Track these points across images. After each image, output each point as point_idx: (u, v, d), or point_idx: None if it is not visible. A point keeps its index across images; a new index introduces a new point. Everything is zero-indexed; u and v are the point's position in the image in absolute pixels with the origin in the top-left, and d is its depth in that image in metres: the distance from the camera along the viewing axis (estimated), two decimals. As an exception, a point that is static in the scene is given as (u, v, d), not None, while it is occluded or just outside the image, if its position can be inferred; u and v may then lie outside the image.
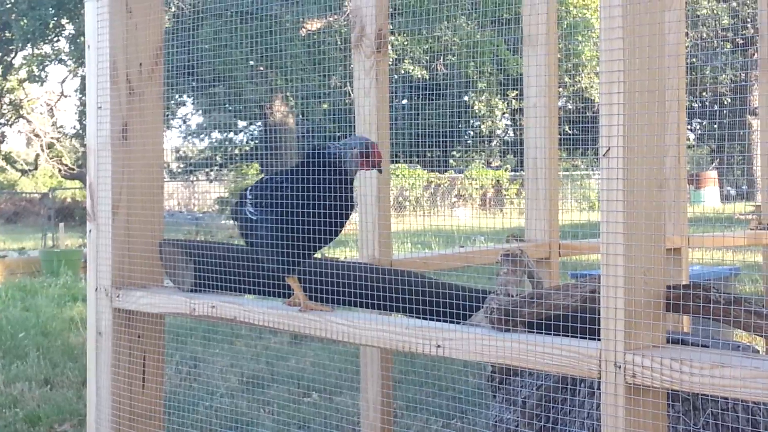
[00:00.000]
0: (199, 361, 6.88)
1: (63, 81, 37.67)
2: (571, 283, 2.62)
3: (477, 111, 21.74)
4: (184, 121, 28.61)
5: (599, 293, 2.36)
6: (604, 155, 2.28)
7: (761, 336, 2.22)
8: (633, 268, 2.24)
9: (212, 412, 5.50)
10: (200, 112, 25.34)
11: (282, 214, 2.97)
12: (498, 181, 20.84)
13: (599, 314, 2.35)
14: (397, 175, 18.96)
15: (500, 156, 24.16)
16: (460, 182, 20.61)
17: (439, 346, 2.59)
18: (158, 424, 3.48)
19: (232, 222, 3.32)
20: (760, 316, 2.17)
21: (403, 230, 15.19)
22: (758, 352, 4.02)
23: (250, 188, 3.18)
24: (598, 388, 3.72)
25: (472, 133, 23.74)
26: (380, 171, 3.19)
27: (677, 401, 3.37)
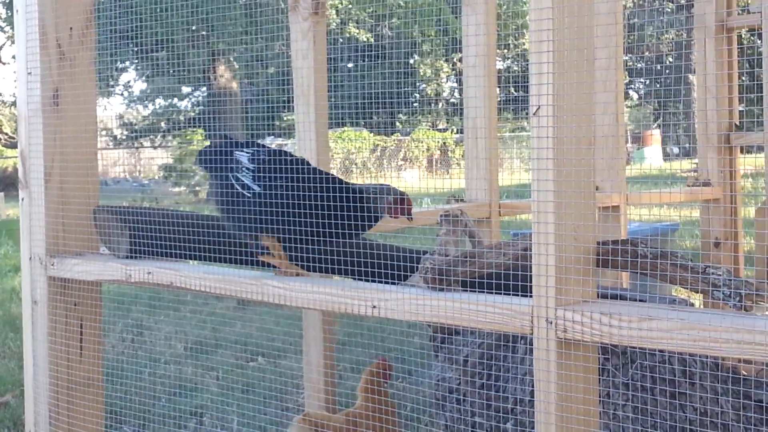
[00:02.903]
0: (143, 328, 6.84)
1: (0, 48, 36.91)
2: (504, 242, 2.64)
3: (422, 74, 21.72)
4: (126, 88, 28.24)
5: (531, 251, 2.38)
6: (534, 114, 2.29)
7: (687, 289, 2.25)
8: (563, 225, 2.26)
9: (156, 379, 5.48)
10: (143, 78, 25.03)
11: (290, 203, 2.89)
12: (444, 143, 20.88)
13: (531, 272, 2.38)
14: (343, 139, 18.92)
15: (446, 118, 24.19)
16: (406, 145, 20.62)
17: (374, 307, 2.60)
18: (97, 392, 3.46)
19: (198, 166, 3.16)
20: (686, 269, 2.20)
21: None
22: (693, 305, 4.09)
23: (251, 154, 3.04)
24: (536, 345, 3.77)
25: (418, 95, 23.72)
26: (411, 219, 3.16)
27: (614, 355, 3.42)
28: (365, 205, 2.97)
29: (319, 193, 2.89)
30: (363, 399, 3.80)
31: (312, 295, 2.73)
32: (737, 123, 5.74)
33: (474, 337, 4.03)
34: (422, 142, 20.07)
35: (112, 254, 3.37)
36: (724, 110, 5.71)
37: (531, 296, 2.32)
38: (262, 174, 2.96)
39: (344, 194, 2.91)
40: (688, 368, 3.62)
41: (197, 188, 20.39)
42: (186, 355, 6.30)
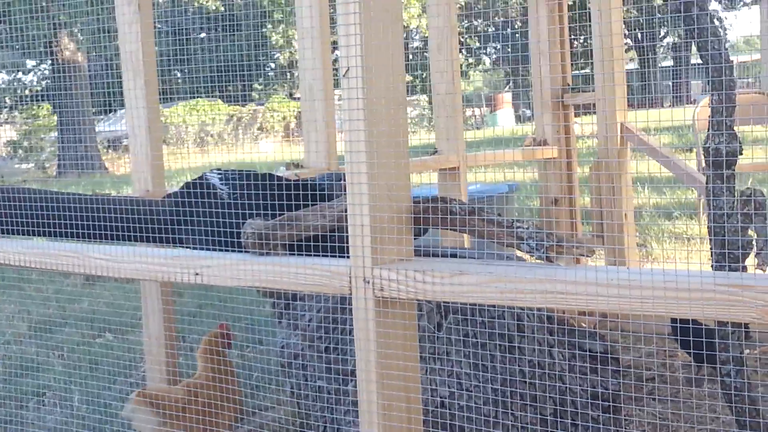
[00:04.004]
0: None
1: None
2: (325, 204, 2.66)
3: (275, 43, 21.54)
4: (-33, 63, 27.01)
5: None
6: (344, 75, 2.30)
7: (494, 241, 2.31)
8: (377, 185, 2.29)
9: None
10: (-16, 51, 23.97)
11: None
12: (300, 112, 20.78)
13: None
14: (198, 111, 18.63)
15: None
16: (261, 114, 20.45)
17: (197, 274, 2.59)
18: None
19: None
20: (494, 224, 2.26)
21: (204, 165, 15.01)
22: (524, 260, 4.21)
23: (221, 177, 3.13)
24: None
25: (273, 65, 23.53)
26: None
27: (449, 313, 3.49)
28: (326, 193, 2.97)
29: (285, 201, 2.88)
30: (203, 368, 3.78)
31: (135, 264, 2.70)
32: (570, 83, 5.91)
33: (314, 301, 4.05)
34: (278, 112, 19.94)
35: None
36: (557, 69, 5.86)
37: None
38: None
39: (307, 193, 2.92)
40: (518, 321, 3.73)
41: (46, 164, 19.78)
42: (29, 335, 6.12)
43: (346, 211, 2.52)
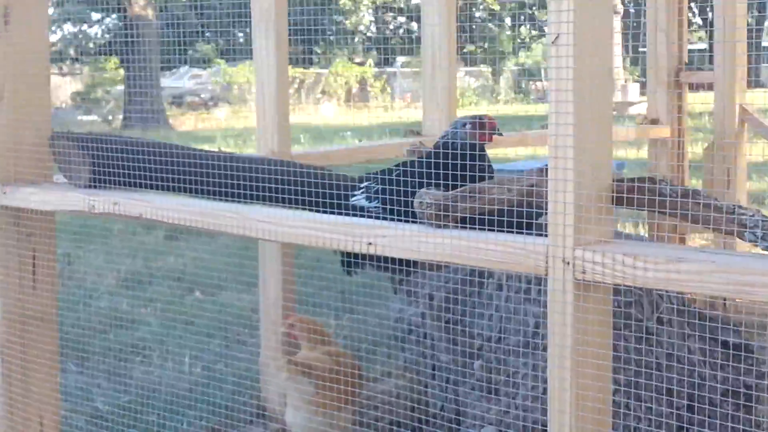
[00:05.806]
0: (72, 259, 6.55)
1: None
2: (508, 177, 2.53)
3: (342, 6, 21.35)
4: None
5: (537, 187, 2.29)
6: (553, 43, 2.16)
7: (711, 229, 2.17)
8: (582, 162, 2.14)
9: (97, 310, 5.27)
10: (50, 2, 24.00)
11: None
12: (363, 77, 20.65)
13: (536, 209, 2.28)
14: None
15: (363, 52, 23.93)
16: (324, 78, 20.31)
17: (370, 243, 2.46)
18: (52, 327, 3.26)
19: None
20: (710, 208, 2.10)
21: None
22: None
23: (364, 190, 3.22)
24: (507, 281, 3.68)
25: (334, 28, 23.32)
26: (500, 134, 3.24)
27: (618, 295, 3.34)
28: (461, 152, 2.89)
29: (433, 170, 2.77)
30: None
31: (302, 230, 2.57)
32: (687, 60, 5.71)
33: (439, 273, 3.92)
34: (341, 76, 19.81)
35: (70, 183, 3.15)
36: (673, 47, 5.67)
37: (542, 235, 2.21)
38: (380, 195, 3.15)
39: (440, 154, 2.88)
40: (659, 311, 3.59)
41: (110, 117, 19.80)
42: (120, 288, 6.07)
43: (531, 186, 2.39)
